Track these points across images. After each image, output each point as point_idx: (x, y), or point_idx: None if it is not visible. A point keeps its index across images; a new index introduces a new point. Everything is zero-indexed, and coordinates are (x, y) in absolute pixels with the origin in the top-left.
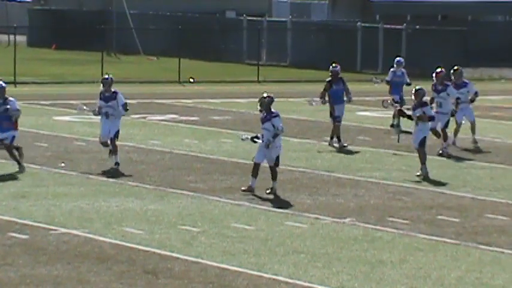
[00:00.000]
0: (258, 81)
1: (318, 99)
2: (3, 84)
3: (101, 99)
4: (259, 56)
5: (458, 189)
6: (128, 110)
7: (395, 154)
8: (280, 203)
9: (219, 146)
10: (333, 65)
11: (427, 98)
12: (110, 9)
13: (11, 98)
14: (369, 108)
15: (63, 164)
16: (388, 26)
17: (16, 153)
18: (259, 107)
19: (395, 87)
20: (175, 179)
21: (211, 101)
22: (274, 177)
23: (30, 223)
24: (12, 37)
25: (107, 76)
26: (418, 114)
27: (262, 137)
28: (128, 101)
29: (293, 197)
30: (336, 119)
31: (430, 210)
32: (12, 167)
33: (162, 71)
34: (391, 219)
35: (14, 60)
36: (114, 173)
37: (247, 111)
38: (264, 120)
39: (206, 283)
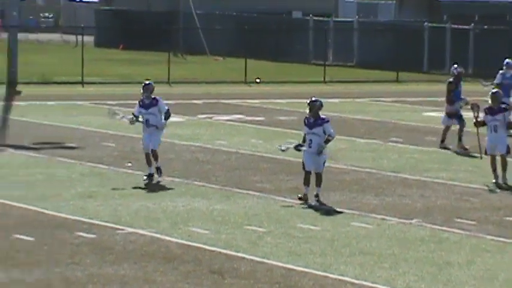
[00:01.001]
0: (324, 82)
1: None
2: None
3: (140, 106)
4: (325, 56)
5: None
6: (169, 117)
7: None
8: (346, 204)
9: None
10: (455, 65)
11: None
12: (177, 9)
13: None
14: (435, 109)
15: (129, 164)
16: (456, 26)
17: None
18: (308, 112)
19: (505, 89)
20: (241, 179)
21: (277, 101)
22: (319, 183)
23: (97, 222)
24: (79, 38)
25: (147, 81)
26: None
27: (310, 143)
28: (195, 101)
29: (359, 197)
30: (461, 118)
31: (498, 211)
32: (79, 166)
33: (228, 71)
34: (458, 220)
35: (81, 61)
36: (180, 172)
37: None
38: (312, 125)
39: (272, 283)
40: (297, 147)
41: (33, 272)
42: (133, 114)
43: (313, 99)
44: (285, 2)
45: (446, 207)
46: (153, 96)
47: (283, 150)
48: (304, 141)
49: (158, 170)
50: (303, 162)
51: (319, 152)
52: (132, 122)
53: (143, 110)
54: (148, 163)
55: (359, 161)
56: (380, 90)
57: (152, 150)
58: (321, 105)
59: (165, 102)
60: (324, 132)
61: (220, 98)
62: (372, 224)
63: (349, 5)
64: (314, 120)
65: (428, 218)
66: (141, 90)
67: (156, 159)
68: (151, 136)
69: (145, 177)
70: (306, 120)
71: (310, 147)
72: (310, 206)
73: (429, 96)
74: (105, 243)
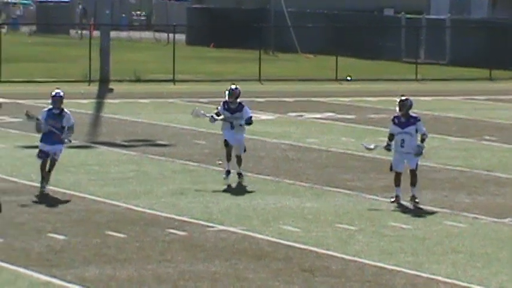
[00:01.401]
0: (416, 80)
1: None
2: (61, 93)
3: (225, 109)
4: (417, 54)
5: None
6: (251, 124)
7: None
8: (438, 202)
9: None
10: None
11: None
12: (267, 7)
13: (66, 110)
14: None
15: (220, 162)
16: None
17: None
18: (399, 111)
19: None
20: (331, 177)
21: (368, 99)
22: (414, 182)
23: (189, 220)
24: (171, 36)
25: (234, 87)
26: None
27: (402, 143)
28: (285, 99)
29: (451, 196)
30: None
31: None
32: (170, 164)
33: (319, 69)
34: None
35: (173, 59)
36: (270, 170)
37: None
38: (404, 125)
39: (363, 282)
40: (387, 147)
41: (125, 269)
42: (215, 114)
43: (404, 98)
44: (377, 0)
45: None
46: (239, 101)
47: (369, 149)
48: (390, 140)
49: (240, 174)
50: (391, 164)
51: (419, 154)
52: (211, 121)
53: (228, 114)
54: (228, 158)
55: (451, 160)
56: (473, 89)
57: (237, 156)
58: (412, 104)
59: (256, 100)
60: (417, 131)
61: (311, 96)
62: (464, 223)
63: (441, 2)
64: (405, 119)
65: None
66: (227, 94)
67: (240, 163)
68: (239, 138)
69: (224, 176)
70: (396, 120)
71: (402, 147)
72: (401, 205)
73: None
74: (196, 241)
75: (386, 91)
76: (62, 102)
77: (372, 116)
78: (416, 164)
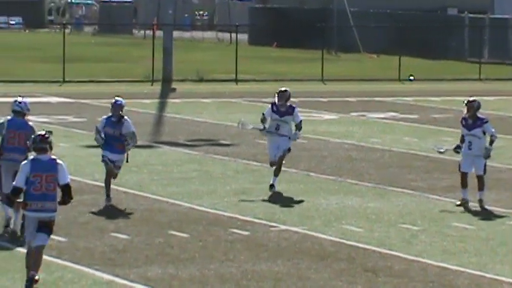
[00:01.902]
0: (480, 79)
1: None
2: (122, 101)
3: (273, 111)
4: (480, 53)
5: None
6: (301, 129)
7: None
8: (503, 203)
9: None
10: None
11: None
12: (330, 7)
13: (126, 118)
14: None
15: None
16: None
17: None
18: (466, 112)
19: None
20: (395, 177)
21: (431, 99)
22: (481, 187)
23: (251, 220)
24: (233, 35)
25: (284, 89)
26: None
27: (470, 145)
28: (348, 99)
29: None
30: None
31: None
32: (233, 163)
33: (382, 69)
34: None
35: (235, 59)
36: (333, 170)
37: None
38: (471, 127)
39: (426, 282)
40: (456, 149)
41: (187, 268)
42: (261, 120)
43: (471, 99)
44: (440, 1)
45: None
46: (289, 104)
47: (441, 152)
48: (462, 141)
49: (272, 186)
50: (459, 164)
51: (488, 156)
52: (262, 132)
53: (277, 116)
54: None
55: None
56: None
57: (280, 156)
58: (479, 105)
59: (319, 99)
60: (484, 133)
61: (374, 96)
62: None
63: (505, 1)
64: (473, 121)
65: None
66: (276, 96)
67: (279, 168)
68: (279, 144)
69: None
70: (464, 121)
71: (470, 149)
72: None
73: None
74: (259, 240)
75: (450, 91)
76: (121, 110)
77: (435, 115)
78: (485, 169)
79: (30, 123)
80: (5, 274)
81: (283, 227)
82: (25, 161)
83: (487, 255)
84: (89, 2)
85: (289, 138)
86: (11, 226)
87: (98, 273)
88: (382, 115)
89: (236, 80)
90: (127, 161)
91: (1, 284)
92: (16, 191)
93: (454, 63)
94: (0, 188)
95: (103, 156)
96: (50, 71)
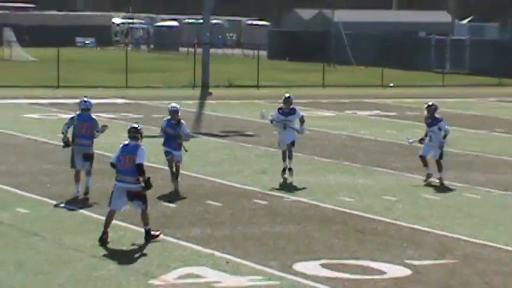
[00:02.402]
0: (443, 86)
1: None
2: (177, 107)
3: (280, 113)
4: (443, 65)
5: None
6: (304, 121)
7: None
8: (460, 180)
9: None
10: None
11: None
12: (329, 30)
13: (183, 121)
14: None
15: None
16: None
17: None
18: (426, 113)
19: None
20: (378, 160)
21: (406, 100)
22: (440, 169)
23: (269, 192)
24: (256, 52)
25: (288, 95)
26: None
27: (430, 138)
28: (343, 100)
29: (469, 174)
30: None
31: None
32: (255, 150)
33: (369, 78)
34: None
35: (257, 69)
36: (331, 155)
37: None
38: (430, 125)
39: (402, 239)
40: (420, 141)
41: (220, 229)
42: (271, 121)
43: (430, 103)
44: (413, 25)
45: None
46: (292, 107)
47: (410, 143)
48: (426, 135)
49: (290, 170)
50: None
51: (442, 147)
52: (272, 122)
53: (282, 117)
54: (284, 159)
55: (469, 147)
56: (486, 92)
57: (288, 145)
58: (436, 108)
59: (320, 101)
60: (439, 129)
61: (362, 98)
62: (479, 195)
63: (462, 27)
64: (431, 120)
65: None
66: (282, 100)
67: (290, 158)
68: (289, 136)
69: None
70: (425, 120)
71: (430, 141)
72: (429, 182)
73: None
74: (275, 208)
75: (420, 94)
76: (178, 114)
77: (409, 113)
78: (441, 155)
79: (93, 116)
80: (80, 234)
81: (293, 198)
82: (120, 144)
83: (448, 219)
84: (145, 26)
85: (298, 132)
86: (82, 191)
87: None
88: (368, 113)
89: (258, 86)
90: (186, 151)
91: (78, 241)
92: (112, 164)
93: (423, 73)
94: (74, 165)
95: (165, 152)
96: (115, 79)
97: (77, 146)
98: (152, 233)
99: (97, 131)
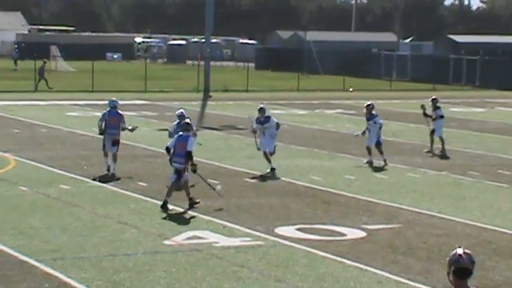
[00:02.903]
0: (391, 90)
1: None
2: (183, 112)
3: (258, 123)
4: (391, 74)
5: None
6: (279, 127)
7: None
8: (403, 162)
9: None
10: None
11: None
12: (303, 47)
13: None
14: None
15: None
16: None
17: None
18: (365, 111)
19: None
20: (341, 147)
21: (362, 101)
22: (381, 152)
23: (258, 173)
24: (245, 64)
25: (262, 106)
26: None
27: (369, 132)
28: (313, 101)
29: (411, 158)
30: None
31: (493, 167)
32: (246, 139)
33: (333, 83)
34: (469, 172)
35: (247, 77)
36: (304, 143)
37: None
38: (369, 119)
39: (359, 209)
40: (363, 133)
41: (217, 201)
42: (255, 129)
43: (368, 103)
44: (367, 43)
45: (462, 164)
46: (266, 115)
47: (356, 135)
48: (366, 128)
49: (273, 170)
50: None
51: (379, 136)
52: (253, 131)
53: (259, 126)
54: (268, 160)
55: (411, 137)
56: (424, 95)
57: (268, 152)
58: (373, 106)
59: (295, 102)
60: (375, 122)
61: (328, 99)
62: (418, 174)
63: (405, 45)
64: (369, 116)
65: (452, 171)
66: (257, 111)
67: (270, 161)
68: (268, 142)
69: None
70: (365, 116)
71: (370, 132)
72: (371, 163)
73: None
74: (261, 185)
75: (373, 97)
76: (185, 118)
77: (365, 111)
78: (377, 142)
79: (120, 112)
80: (110, 205)
81: (284, 178)
82: (176, 135)
83: (395, 193)
84: (161, 44)
85: (272, 137)
86: (111, 171)
87: (157, 202)
88: (333, 111)
89: (247, 90)
90: (200, 144)
91: (108, 210)
92: (167, 149)
93: (375, 81)
94: (105, 149)
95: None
96: (137, 85)
97: (108, 134)
98: (194, 200)
99: (123, 123)
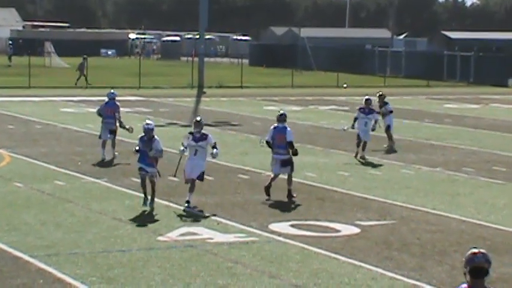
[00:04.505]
0: (385, 86)
1: None
2: (151, 126)
3: (191, 139)
4: (385, 70)
5: None
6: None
7: None
8: (398, 159)
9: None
10: None
11: None
12: (297, 43)
13: (156, 137)
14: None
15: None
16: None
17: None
18: (364, 104)
19: None
20: (334, 144)
21: (356, 97)
22: (364, 148)
23: (250, 169)
24: (240, 60)
25: (199, 118)
26: None
27: (365, 124)
28: (307, 98)
29: (405, 155)
30: None
31: (488, 163)
32: (239, 136)
33: (327, 80)
34: (464, 168)
35: (241, 73)
36: (298, 139)
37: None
38: (368, 113)
39: (353, 205)
40: (352, 127)
41: (212, 197)
42: (182, 144)
43: (367, 97)
44: (361, 39)
45: (456, 160)
46: (203, 132)
47: (344, 130)
48: (354, 122)
49: (188, 202)
50: (358, 135)
51: (374, 129)
52: (180, 154)
53: (193, 143)
54: (191, 190)
55: (405, 133)
56: (418, 91)
57: (194, 178)
58: (371, 101)
59: (289, 98)
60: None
61: (322, 96)
62: (412, 171)
63: (398, 41)
64: (368, 110)
65: (446, 167)
66: (193, 125)
67: (192, 190)
68: (196, 165)
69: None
70: (362, 109)
71: (365, 126)
72: (364, 161)
73: None
74: (255, 181)
75: (367, 93)
76: (152, 132)
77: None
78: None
79: (117, 103)
80: (104, 201)
81: (268, 173)
82: (271, 126)
83: (389, 189)
84: (155, 40)
85: (213, 157)
86: (112, 155)
87: (158, 200)
88: (327, 107)
89: (241, 86)
90: (159, 175)
91: (102, 207)
92: (267, 143)
93: (369, 77)
94: (101, 137)
95: (139, 168)
96: (131, 81)
97: (105, 123)
98: (293, 194)
99: (118, 113)
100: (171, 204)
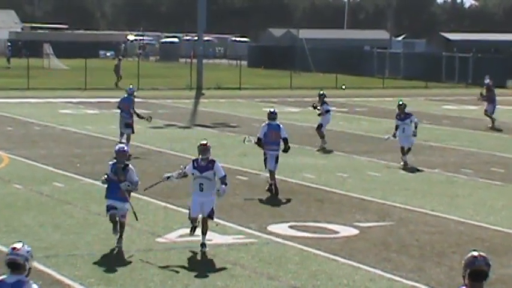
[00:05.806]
0: (383, 88)
1: None
2: (125, 148)
3: (194, 167)
4: (384, 72)
5: None
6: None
7: None
8: (396, 161)
9: (359, 126)
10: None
11: None
12: (295, 45)
13: (130, 166)
14: None
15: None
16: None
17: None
18: (398, 110)
19: None
20: (333, 145)
21: (355, 99)
22: (407, 152)
23: (249, 170)
24: (238, 61)
25: (205, 142)
26: None
27: (403, 130)
28: (305, 99)
29: (404, 157)
30: None
31: (487, 164)
32: (238, 137)
33: (326, 81)
34: (463, 169)
35: (239, 75)
36: (297, 141)
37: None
38: (404, 119)
39: (351, 206)
40: (394, 136)
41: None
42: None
43: (400, 102)
44: (360, 41)
45: (455, 162)
46: (210, 158)
47: (386, 139)
48: (396, 130)
49: (203, 245)
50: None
51: (415, 135)
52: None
53: (197, 173)
54: (203, 231)
55: None
56: (416, 93)
57: (204, 218)
58: (405, 105)
59: (288, 99)
60: (411, 121)
61: (316, 96)
62: (411, 172)
63: (397, 43)
64: (404, 115)
65: (444, 168)
66: (198, 152)
67: (205, 232)
68: (203, 202)
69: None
70: (398, 116)
71: (403, 132)
72: (407, 168)
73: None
74: (253, 183)
75: (366, 94)
76: (125, 156)
77: (357, 109)
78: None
79: (132, 98)
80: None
81: (266, 174)
82: (263, 124)
83: (388, 191)
84: (153, 42)
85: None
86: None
87: (156, 202)
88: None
89: (240, 88)
90: (136, 217)
91: (101, 208)
92: (258, 139)
93: (368, 78)
94: (120, 129)
95: (107, 206)
96: (129, 83)
97: (122, 118)
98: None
99: (132, 108)
100: (170, 205)
